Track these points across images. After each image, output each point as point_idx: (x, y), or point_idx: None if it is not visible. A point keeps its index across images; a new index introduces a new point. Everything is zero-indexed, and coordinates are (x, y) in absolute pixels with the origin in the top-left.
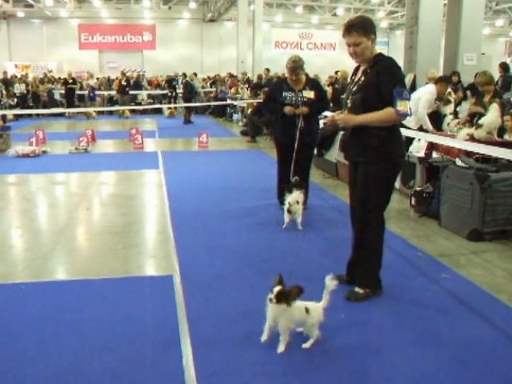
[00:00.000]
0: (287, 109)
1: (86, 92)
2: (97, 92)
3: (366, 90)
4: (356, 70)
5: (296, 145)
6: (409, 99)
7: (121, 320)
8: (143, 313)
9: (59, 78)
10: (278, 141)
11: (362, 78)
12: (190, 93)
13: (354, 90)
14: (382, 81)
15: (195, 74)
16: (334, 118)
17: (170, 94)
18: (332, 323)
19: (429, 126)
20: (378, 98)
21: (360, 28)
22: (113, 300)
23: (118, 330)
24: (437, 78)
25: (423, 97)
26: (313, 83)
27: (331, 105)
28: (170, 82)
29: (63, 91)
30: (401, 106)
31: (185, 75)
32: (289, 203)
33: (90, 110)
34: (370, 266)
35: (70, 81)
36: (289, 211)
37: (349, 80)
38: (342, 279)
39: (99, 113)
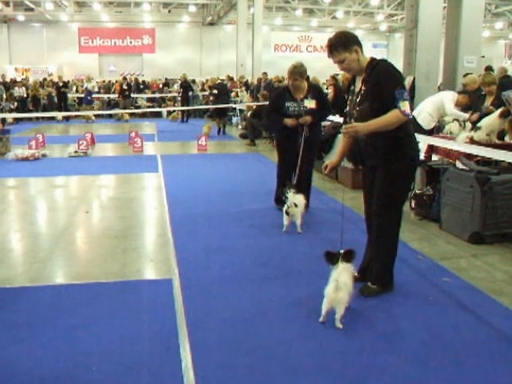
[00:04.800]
0: (289, 122)
1: (82, 95)
2: (95, 95)
3: (371, 98)
4: (353, 79)
5: (300, 152)
6: (408, 100)
7: (120, 324)
8: (142, 316)
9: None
10: (282, 146)
11: (364, 88)
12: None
13: (357, 100)
14: (382, 85)
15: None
16: (348, 129)
17: (181, 96)
18: (330, 326)
19: (463, 115)
20: (384, 103)
21: (339, 46)
22: (112, 304)
23: (117, 334)
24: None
25: (446, 99)
26: (314, 92)
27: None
28: (187, 84)
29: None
30: (403, 106)
31: (185, 79)
32: (287, 206)
33: (89, 113)
34: (387, 262)
35: (61, 84)
36: (287, 213)
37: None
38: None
39: (98, 116)
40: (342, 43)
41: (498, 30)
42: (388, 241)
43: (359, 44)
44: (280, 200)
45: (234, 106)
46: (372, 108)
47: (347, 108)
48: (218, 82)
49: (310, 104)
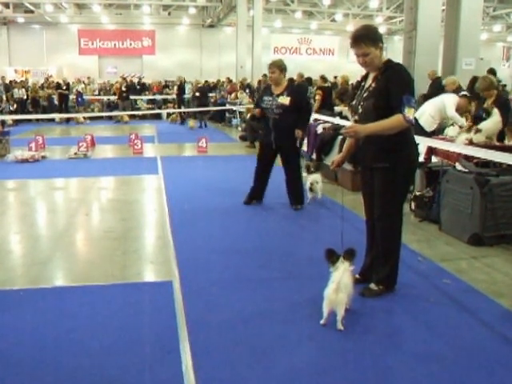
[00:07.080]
0: (255, 111)
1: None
2: (94, 97)
3: (377, 96)
4: (366, 76)
5: (279, 147)
6: (415, 108)
7: (120, 326)
8: (142, 319)
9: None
10: (260, 141)
11: (373, 85)
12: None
13: (364, 95)
14: (392, 87)
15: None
16: (347, 130)
17: (177, 98)
18: (331, 327)
19: (462, 121)
20: (389, 104)
21: (367, 39)
22: (112, 306)
23: (117, 337)
24: (462, 94)
25: (447, 101)
26: (292, 90)
27: (322, 108)
28: (183, 87)
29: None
30: (408, 112)
31: (181, 81)
32: (310, 183)
33: (86, 115)
34: (393, 264)
35: (64, 87)
36: (311, 189)
37: (352, 85)
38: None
39: (97, 118)
40: (372, 37)
41: (496, 33)
42: (393, 243)
43: (383, 42)
44: (251, 195)
45: (233, 107)
46: (375, 105)
47: (354, 102)
48: (200, 86)
49: (283, 100)
